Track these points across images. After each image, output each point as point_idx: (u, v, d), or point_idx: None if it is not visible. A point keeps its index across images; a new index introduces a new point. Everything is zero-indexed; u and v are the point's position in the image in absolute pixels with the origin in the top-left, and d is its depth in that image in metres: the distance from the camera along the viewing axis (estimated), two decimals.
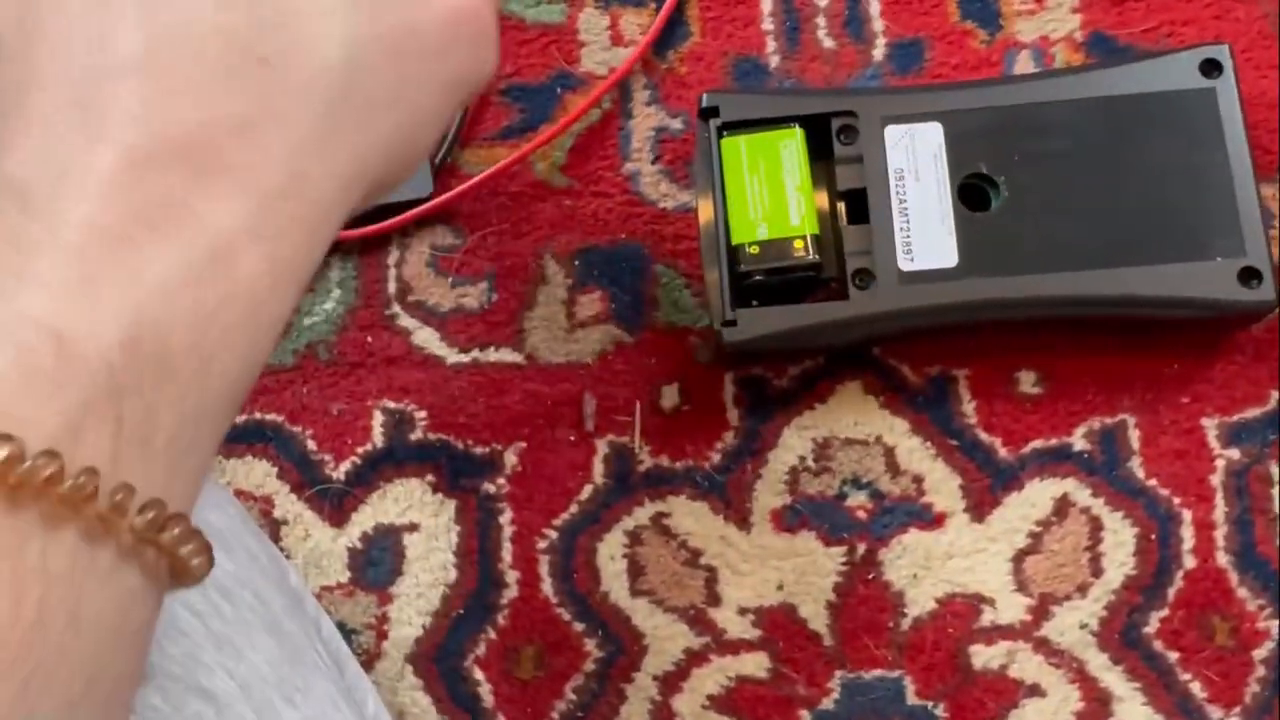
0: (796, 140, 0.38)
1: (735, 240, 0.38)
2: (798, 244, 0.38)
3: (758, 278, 0.38)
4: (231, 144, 0.20)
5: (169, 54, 0.20)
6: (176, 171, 0.20)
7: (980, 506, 0.40)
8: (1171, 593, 0.39)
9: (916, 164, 0.38)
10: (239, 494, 0.42)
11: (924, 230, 0.38)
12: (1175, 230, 0.37)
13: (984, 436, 0.40)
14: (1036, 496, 0.40)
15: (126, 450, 0.19)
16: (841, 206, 0.39)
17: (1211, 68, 0.38)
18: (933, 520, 0.40)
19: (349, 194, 0.23)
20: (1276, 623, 0.38)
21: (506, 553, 0.41)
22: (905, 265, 0.37)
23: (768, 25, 0.44)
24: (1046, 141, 0.38)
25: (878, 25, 0.44)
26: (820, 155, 0.39)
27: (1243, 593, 0.39)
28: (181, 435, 0.20)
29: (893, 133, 0.38)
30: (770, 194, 0.38)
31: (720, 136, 0.38)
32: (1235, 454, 0.39)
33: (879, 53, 0.43)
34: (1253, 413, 0.40)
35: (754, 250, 0.38)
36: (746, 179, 0.38)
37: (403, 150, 0.24)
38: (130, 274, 0.19)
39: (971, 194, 0.38)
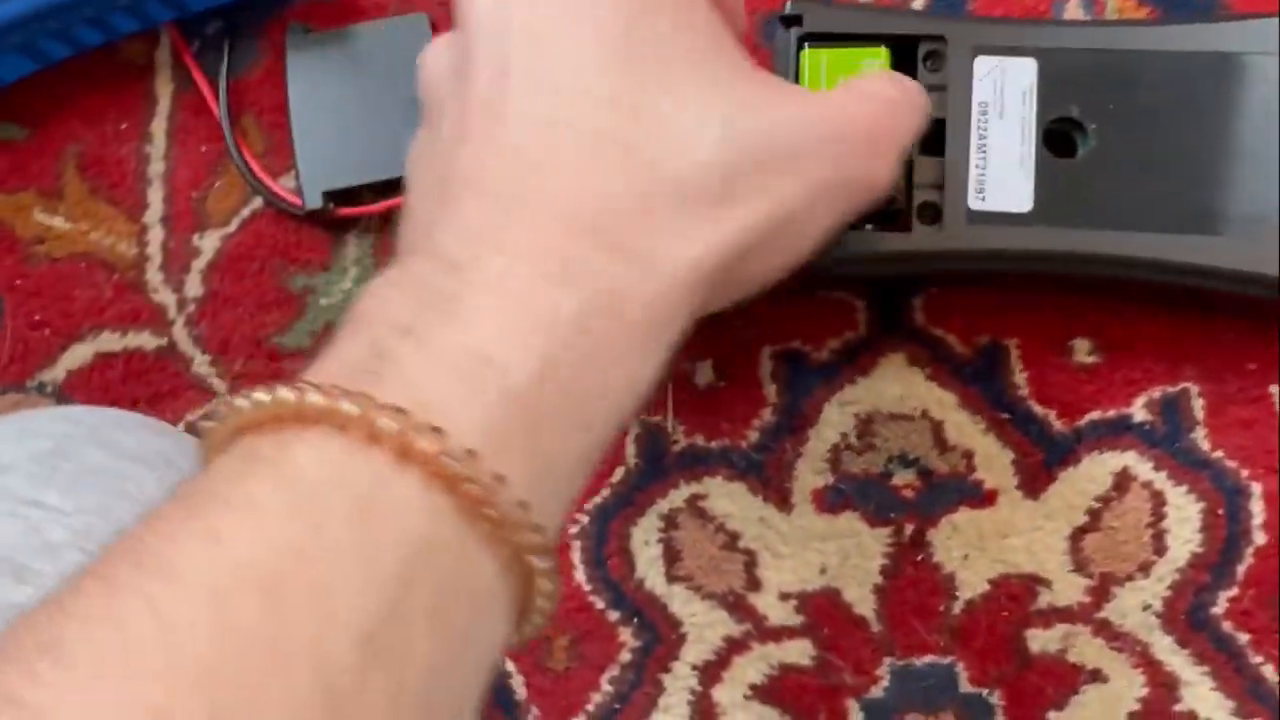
0: (881, 60, 0.35)
1: None
2: None
3: None
4: (616, 221, 0.24)
5: (567, 145, 0.25)
6: (575, 238, 0.24)
7: (1035, 482, 0.38)
8: (1241, 570, 0.37)
9: (1003, 100, 0.36)
10: None
11: (1001, 170, 0.36)
12: (1264, 202, 0.35)
13: (1037, 409, 0.38)
14: (1095, 471, 0.38)
15: (530, 470, 0.21)
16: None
17: None
18: (984, 498, 0.38)
19: (707, 280, 0.25)
20: None
21: None
22: (975, 204, 0.35)
23: None
24: (1144, 93, 0.36)
25: None
26: None
27: None
28: (571, 471, 0.23)
29: (983, 64, 0.36)
30: None
31: (800, 48, 0.36)
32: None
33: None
34: None
35: None
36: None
37: (769, 249, 0.26)
38: (546, 314, 0.22)
39: (1057, 139, 0.36)
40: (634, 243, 0.24)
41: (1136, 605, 0.37)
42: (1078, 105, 0.36)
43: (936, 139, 0.36)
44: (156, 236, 0.43)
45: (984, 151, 0.36)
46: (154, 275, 0.42)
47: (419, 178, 0.27)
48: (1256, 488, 0.37)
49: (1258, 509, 0.37)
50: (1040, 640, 0.37)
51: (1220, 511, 0.37)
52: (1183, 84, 0.36)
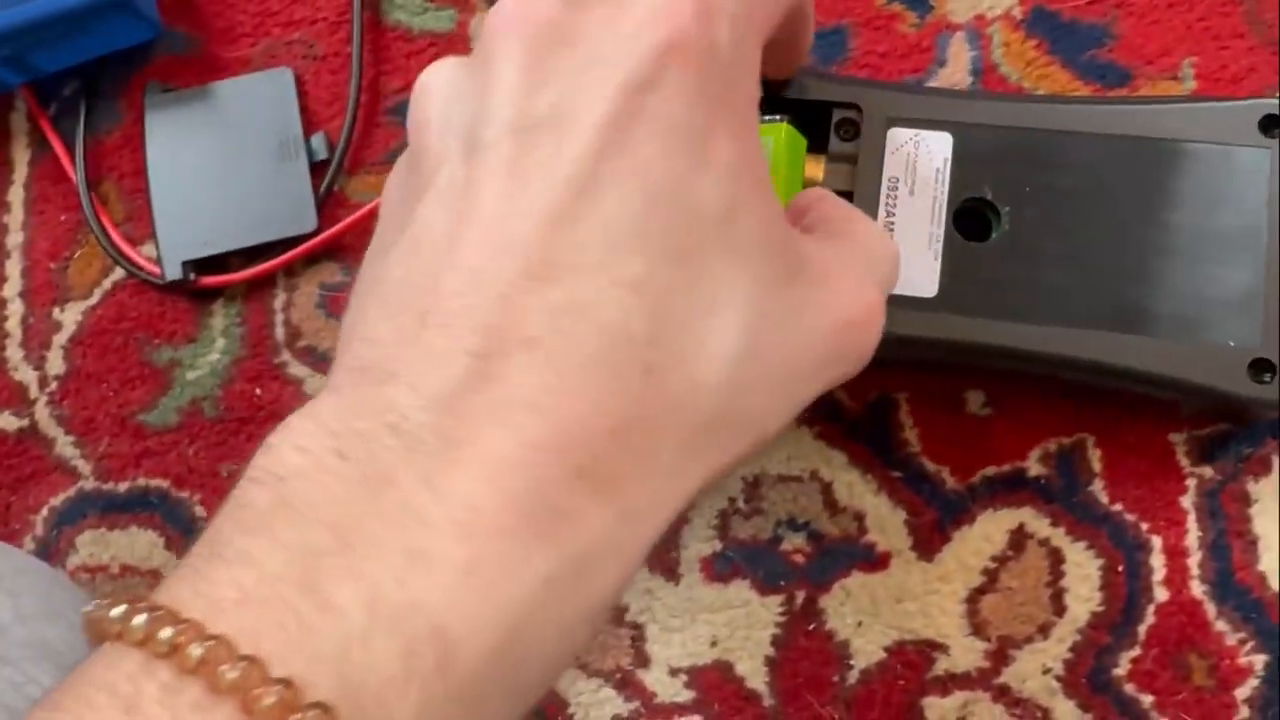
0: (781, 137, 0.33)
1: None
2: None
3: None
4: (606, 448, 0.20)
5: (566, 345, 0.21)
6: (557, 466, 0.20)
7: (928, 543, 0.37)
8: (1143, 629, 0.36)
9: (915, 175, 0.34)
10: (125, 569, 0.39)
11: (907, 251, 0.34)
12: (1188, 302, 0.33)
13: (930, 466, 0.37)
14: (990, 529, 0.36)
15: None
16: None
17: (1274, 124, 0.34)
18: (877, 561, 0.37)
19: (685, 506, 0.22)
20: (1260, 658, 0.35)
21: None
22: None
23: None
24: (1066, 176, 0.34)
25: None
26: (810, 147, 0.35)
27: (1221, 625, 0.35)
28: None
29: (897, 136, 0.34)
30: None
31: None
32: (1208, 472, 0.36)
33: None
34: (1224, 425, 0.36)
35: None
36: None
37: (754, 452, 0.24)
38: (512, 574, 0.19)
39: (969, 219, 0.34)
40: (629, 490, 0.21)
41: (1036, 669, 0.36)
42: (991, 186, 0.34)
43: None
44: (16, 311, 0.41)
45: (891, 229, 0.34)
46: (14, 352, 0.41)
47: (385, 282, 0.22)
48: (1157, 541, 0.36)
49: (1158, 564, 0.36)
50: (938, 709, 0.36)
51: (1120, 568, 0.36)
52: (1108, 169, 0.34)
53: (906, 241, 0.34)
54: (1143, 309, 0.33)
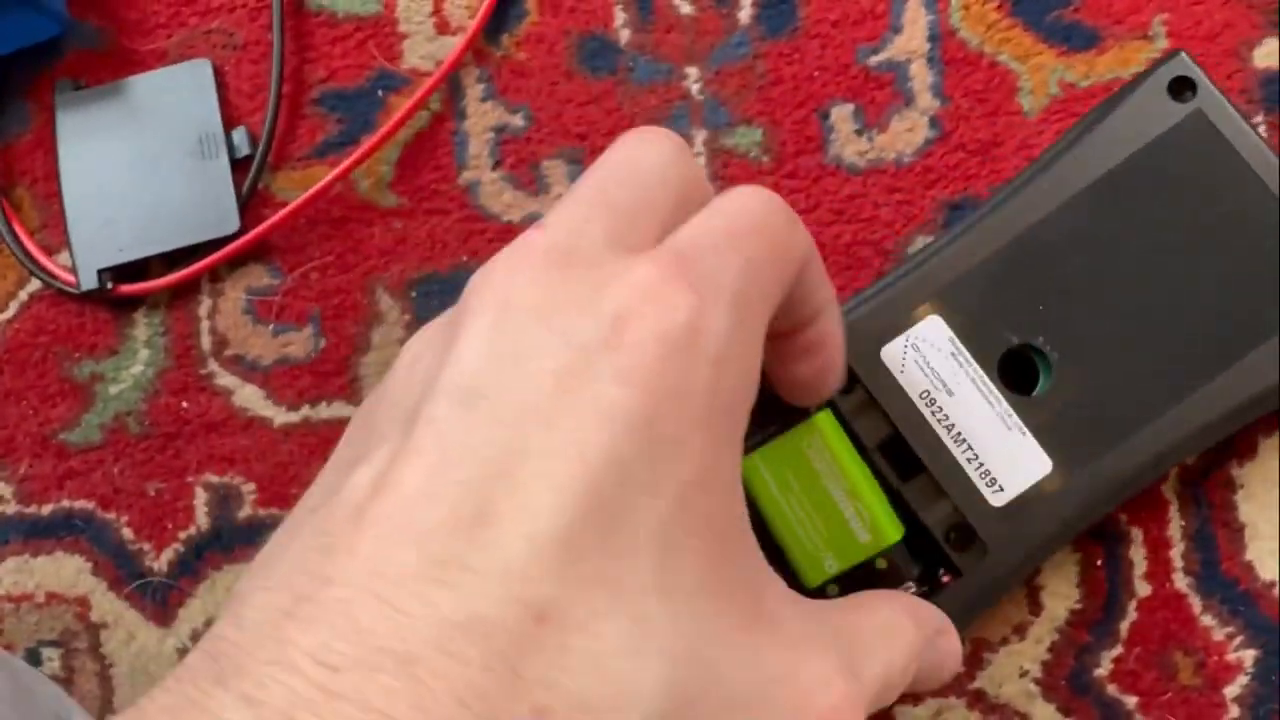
0: (822, 430, 0.30)
1: (810, 586, 0.30)
2: (880, 563, 0.30)
3: None
4: None
5: (445, 672, 0.18)
6: None
7: None
8: (1125, 627, 0.34)
9: (939, 376, 0.31)
10: (51, 597, 0.37)
11: (993, 447, 0.31)
12: (1222, 322, 0.31)
13: None
14: None
15: None
16: (885, 464, 0.31)
17: (1182, 87, 0.32)
18: None
19: None
20: (1250, 653, 0.33)
21: None
22: (997, 500, 0.31)
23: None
24: (1067, 268, 0.31)
25: None
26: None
27: (1207, 620, 0.34)
28: None
29: (892, 354, 0.31)
30: (818, 513, 0.30)
31: None
32: (1190, 457, 0.34)
33: (745, 15, 0.38)
34: None
35: (834, 590, 0.30)
36: (784, 504, 0.30)
37: None
38: None
39: (1018, 377, 0.32)
40: None
41: (1013, 671, 0.34)
42: (1013, 330, 0.31)
43: (904, 459, 0.31)
44: None
45: (963, 439, 0.31)
46: None
47: (282, 548, 0.21)
48: (1137, 533, 0.34)
49: (1139, 556, 0.34)
50: (910, 718, 0.34)
51: (1099, 562, 0.34)
52: (1093, 232, 0.31)
53: (987, 437, 0.31)
54: (1200, 355, 0.31)
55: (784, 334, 0.26)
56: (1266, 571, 0.34)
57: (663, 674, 0.19)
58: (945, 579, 0.31)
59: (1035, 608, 0.34)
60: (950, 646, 0.27)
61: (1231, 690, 0.33)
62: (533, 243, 0.22)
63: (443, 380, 0.21)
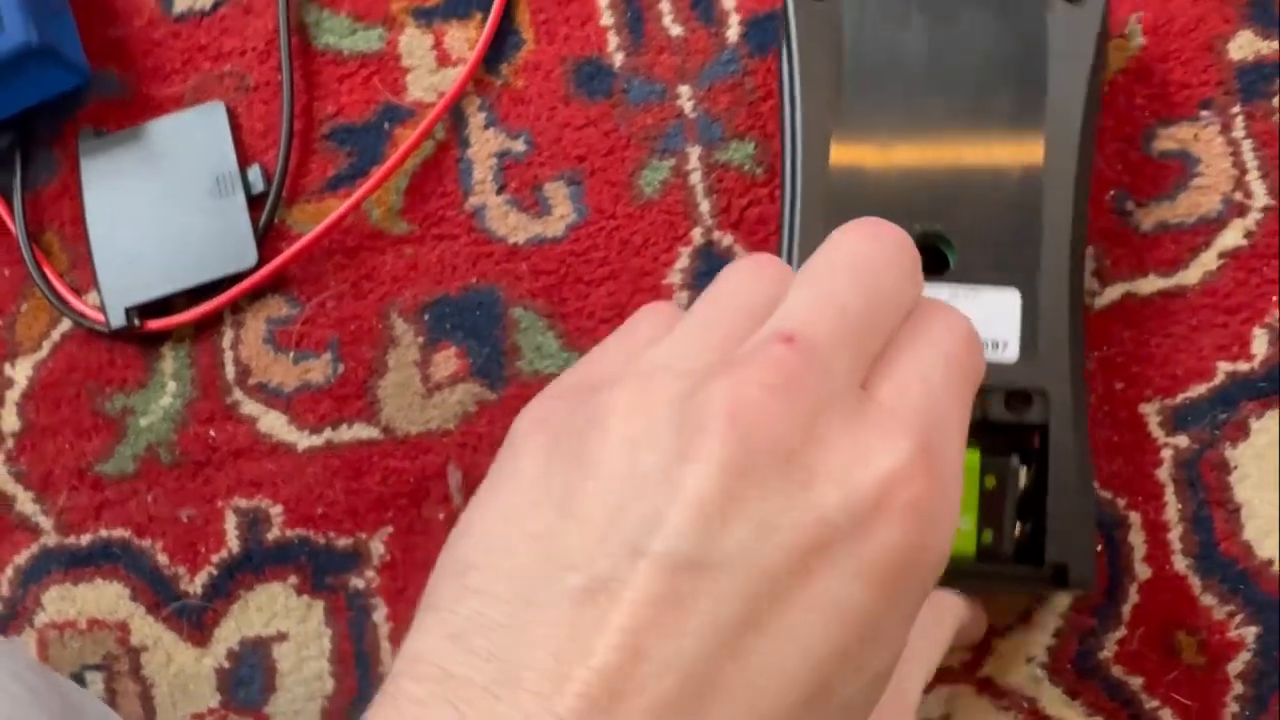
0: (975, 465, 0.32)
1: None
2: (989, 483, 0.32)
3: None
4: None
5: None
6: None
7: None
8: (1126, 609, 0.35)
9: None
10: (92, 623, 0.39)
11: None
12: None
13: None
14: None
15: None
16: None
17: None
18: None
19: None
20: (1251, 630, 0.34)
21: (385, 653, 0.38)
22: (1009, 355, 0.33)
23: (607, 20, 0.40)
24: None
25: (729, 3, 0.39)
26: None
27: (1208, 600, 0.35)
28: None
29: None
30: None
31: None
32: (1183, 440, 0.35)
33: (732, 33, 0.40)
34: (1197, 390, 0.36)
35: None
36: None
37: None
38: None
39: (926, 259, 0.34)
40: None
41: (1020, 658, 0.35)
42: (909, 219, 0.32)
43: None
44: None
45: None
46: None
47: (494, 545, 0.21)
48: (1135, 517, 0.35)
49: (1138, 540, 0.35)
50: (923, 709, 0.35)
51: (1099, 548, 0.35)
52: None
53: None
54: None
55: None
56: (1264, 550, 0.35)
57: None
58: (1037, 442, 0.32)
59: (1039, 595, 0.35)
60: (976, 627, 0.29)
61: (1234, 667, 0.34)
62: (787, 358, 0.21)
63: (672, 519, 0.20)
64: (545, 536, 0.21)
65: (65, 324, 0.41)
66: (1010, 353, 0.32)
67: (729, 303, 0.23)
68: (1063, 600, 0.35)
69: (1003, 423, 0.32)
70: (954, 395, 0.22)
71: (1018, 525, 0.32)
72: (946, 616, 0.29)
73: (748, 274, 0.24)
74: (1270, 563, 0.35)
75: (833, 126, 0.34)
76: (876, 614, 0.20)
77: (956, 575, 0.31)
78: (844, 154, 0.34)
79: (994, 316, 0.33)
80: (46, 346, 0.41)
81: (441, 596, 0.22)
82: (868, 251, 0.23)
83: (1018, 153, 0.34)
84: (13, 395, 0.41)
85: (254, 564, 0.39)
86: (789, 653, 0.20)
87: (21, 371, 0.41)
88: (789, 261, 0.34)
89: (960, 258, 0.33)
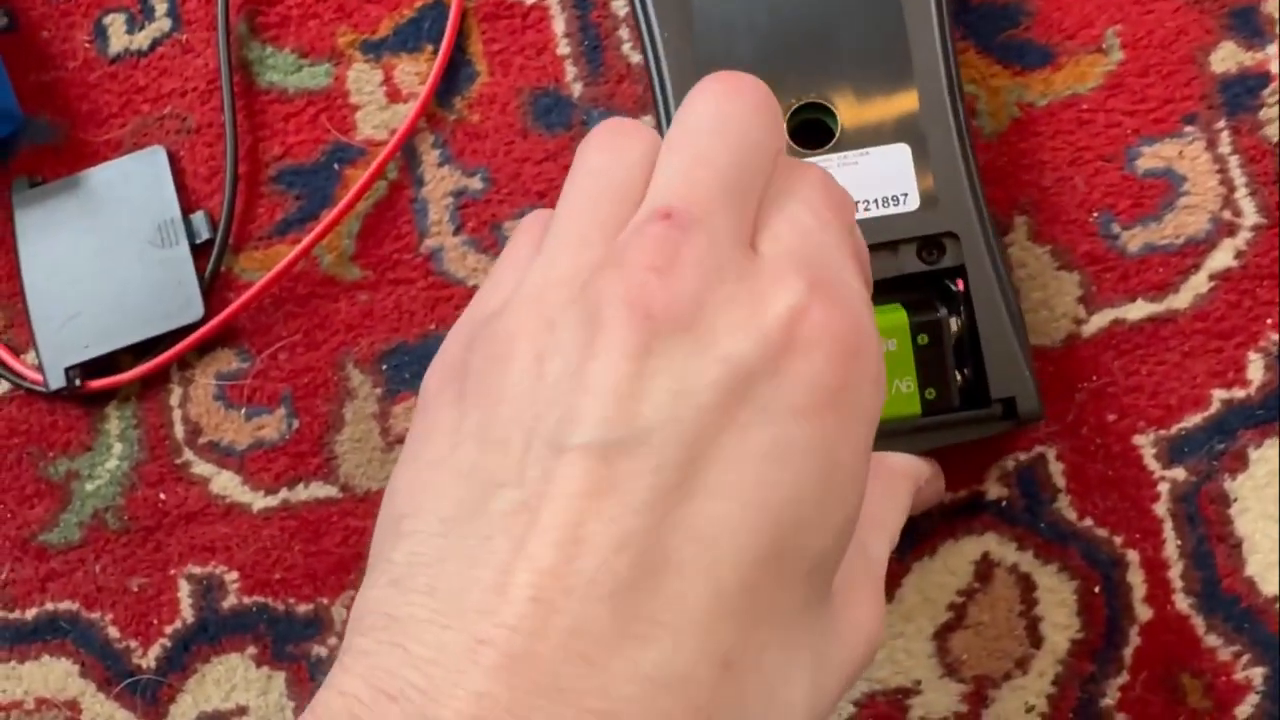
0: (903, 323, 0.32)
1: None
2: (922, 339, 0.32)
3: None
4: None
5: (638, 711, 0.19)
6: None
7: (888, 580, 0.35)
8: (1128, 653, 0.34)
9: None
10: (40, 703, 0.38)
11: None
12: None
13: None
14: (952, 561, 0.35)
15: None
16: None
17: None
18: None
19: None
20: (1258, 670, 0.33)
21: None
22: (912, 205, 0.33)
23: (564, 48, 0.39)
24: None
25: None
26: None
27: (1212, 640, 0.33)
28: None
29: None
30: None
31: None
32: (1180, 473, 0.34)
33: None
34: (1193, 420, 0.34)
35: None
36: None
37: None
38: None
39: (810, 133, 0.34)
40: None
41: (1019, 707, 0.34)
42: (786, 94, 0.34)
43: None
44: None
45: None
46: None
47: (426, 594, 0.20)
48: (1133, 556, 0.34)
49: (1137, 580, 0.34)
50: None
51: (1097, 589, 0.34)
52: None
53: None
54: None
55: None
56: (1268, 586, 0.33)
57: (805, 693, 0.21)
58: (959, 284, 0.33)
59: (1035, 640, 0.34)
60: (934, 487, 0.30)
61: (1243, 710, 0.33)
62: (668, 236, 0.21)
63: (587, 410, 0.20)
64: (470, 469, 0.21)
65: (4, 385, 0.39)
66: (912, 203, 0.33)
67: (595, 186, 0.23)
68: (1060, 645, 0.34)
69: (922, 274, 0.33)
70: (832, 232, 0.23)
71: (958, 375, 0.33)
72: (901, 479, 0.29)
73: (608, 151, 0.23)
74: (1274, 600, 0.33)
75: (693, 18, 0.35)
76: (820, 450, 0.20)
77: (908, 435, 0.32)
78: (709, 42, 0.35)
79: (889, 172, 0.34)
80: None
81: (380, 551, 0.22)
82: (730, 108, 0.23)
83: (877, 8, 0.34)
84: None
85: (210, 634, 0.37)
86: (735, 509, 0.19)
87: None
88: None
89: (843, 124, 0.34)
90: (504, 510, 0.20)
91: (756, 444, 0.20)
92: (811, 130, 0.34)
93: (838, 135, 0.34)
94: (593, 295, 0.21)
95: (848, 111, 0.34)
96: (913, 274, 0.33)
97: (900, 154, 0.33)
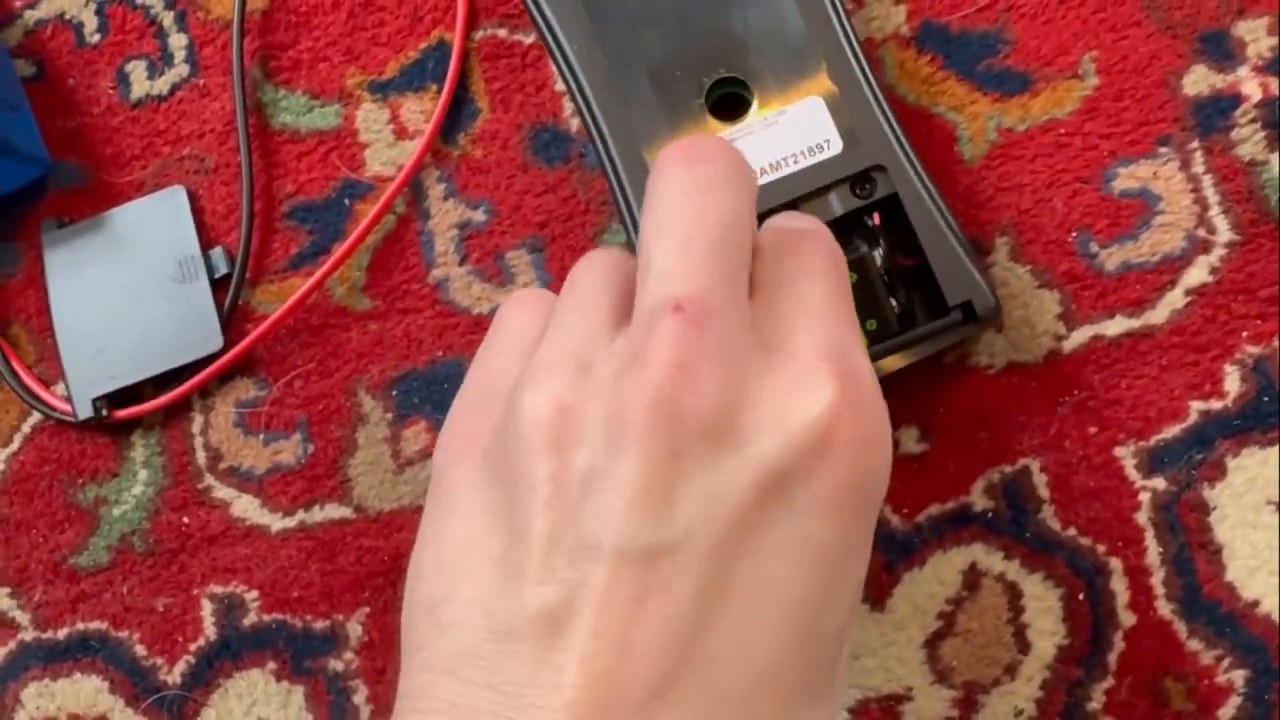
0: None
1: None
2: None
3: None
4: None
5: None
6: None
7: (879, 591, 0.36)
8: (1113, 658, 0.35)
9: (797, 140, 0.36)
10: (73, 718, 0.39)
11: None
12: None
13: None
14: (941, 571, 0.36)
15: None
16: None
17: None
18: None
19: None
20: (1240, 673, 0.34)
21: None
22: (837, 148, 0.35)
23: (561, 85, 0.40)
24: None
25: None
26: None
27: (1195, 645, 0.34)
28: None
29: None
30: None
31: None
32: (1160, 483, 0.35)
33: None
34: (1171, 431, 0.35)
35: None
36: None
37: None
38: None
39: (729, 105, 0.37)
40: None
41: (1008, 712, 0.35)
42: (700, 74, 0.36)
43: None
44: None
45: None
46: None
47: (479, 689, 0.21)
48: (1116, 564, 0.35)
49: (1120, 587, 0.35)
50: None
51: (1081, 596, 0.35)
52: None
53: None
54: None
55: None
56: (1248, 591, 0.34)
57: None
58: (875, 220, 0.35)
59: (1023, 646, 0.35)
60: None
61: (1225, 712, 0.34)
62: (685, 333, 0.21)
63: (620, 512, 0.20)
64: (503, 558, 0.21)
65: (35, 416, 0.41)
66: (836, 147, 0.35)
67: (592, 276, 0.24)
68: (1047, 651, 0.35)
69: (845, 217, 0.35)
70: (842, 314, 0.24)
71: (894, 302, 0.34)
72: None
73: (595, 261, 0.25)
74: (1255, 604, 0.34)
75: (590, 16, 0.37)
76: (842, 542, 0.21)
77: (885, 353, 0.34)
78: (616, 40, 0.37)
79: (808, 125, 0.36)
80: (18, 439, 0.41)
81: (419, 637, 0.23)
82: (700, 178, 0.23)
83: None
84: None
85: (232, 651, 0.39)
86: (770, 603, 0.21)
87: None
88: (605, 154, 0.36)
89: (757, 93, 0.36)
90: (546, 611, 0.20)
91: (786, 541, 0.21)
92: (731, 103, 0.37)
93: (755, 104, 0.36)
94: (618, 392, 0.21)
95: (760, 80, 0.36)
96: (838, 218, 0.35)
97: (815, 105, 0.36)
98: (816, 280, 0.24)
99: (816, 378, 0.21)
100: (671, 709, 0.20)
